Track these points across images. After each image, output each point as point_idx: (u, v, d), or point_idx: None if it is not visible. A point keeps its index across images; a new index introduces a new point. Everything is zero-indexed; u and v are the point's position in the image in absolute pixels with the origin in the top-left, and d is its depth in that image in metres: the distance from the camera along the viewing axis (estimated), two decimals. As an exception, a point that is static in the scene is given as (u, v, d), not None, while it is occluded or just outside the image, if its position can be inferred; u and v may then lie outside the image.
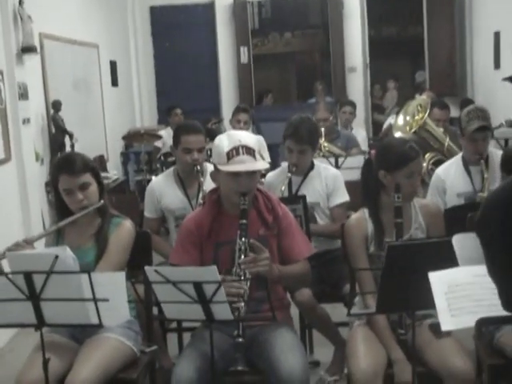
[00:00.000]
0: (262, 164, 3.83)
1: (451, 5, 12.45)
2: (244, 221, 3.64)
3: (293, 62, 18.36)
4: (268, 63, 16.95)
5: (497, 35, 10.57)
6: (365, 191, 4.06)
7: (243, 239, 3.60)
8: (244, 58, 12.95)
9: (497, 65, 10.54)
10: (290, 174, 5.03)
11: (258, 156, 3.76)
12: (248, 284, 3.49)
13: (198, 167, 5.03)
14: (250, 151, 3.70)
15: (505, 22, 10.27)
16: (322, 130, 7.39)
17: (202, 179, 5.01)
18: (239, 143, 3.70)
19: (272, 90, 14.75)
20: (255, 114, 12.22)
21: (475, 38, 12.22)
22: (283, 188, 5.00)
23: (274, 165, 7.05)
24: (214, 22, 13.10)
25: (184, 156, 5.05)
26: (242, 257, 3.58)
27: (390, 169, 3.86)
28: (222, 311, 3.14)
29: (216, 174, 3.84)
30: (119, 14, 12.26)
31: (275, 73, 17.83)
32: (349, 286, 4.22)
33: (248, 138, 3.81)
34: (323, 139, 7.31)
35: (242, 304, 3.38)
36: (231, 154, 3.68)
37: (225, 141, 3.74)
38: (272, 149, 8.08)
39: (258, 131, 11.17)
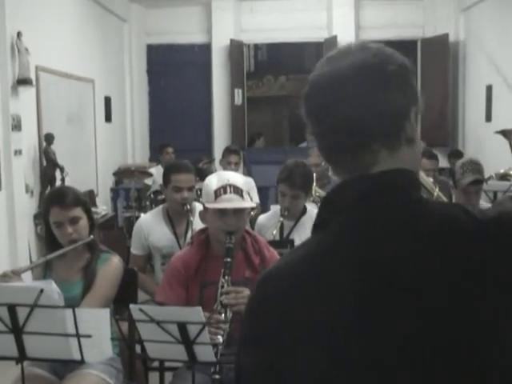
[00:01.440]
0: (249, 203, 3.86)
1: (445, 57, 12.57)
2: (228, 259, 3.64)
3: (286, 105, 18.48)
4: (262, 106, 17.08)
5: (489, 88, 10.68)
6: None
7: (226, 277, 3.60)
8: (238, 100, 13.01)
9: (488, 118, 10.63)
10: (281, 219, 5.04)
11: (245, 196, 3.79)
12: (229, 319, 3.48)
13: (188, 206, 5.04)
14: (237, 190, 3.74)
15: (497, 75, 10.39)
16: (314, 175, 7.41)
17: (191, 218, 5.02)
18: (227, 182, 3.75)
19: (264, 133, 14.82)
20: (247, 155, 12.29)
21: (468, 91, 12.33)
22: (275, 232, 5.00)
23: (263, 208, 7.09)
24: (210, 62, 13.17)
25: (174, 194, 5.06)
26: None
27: None
28: (205, 352, 3.13)
29: (204, 214, 3.87)
30: (116, 51, 12.33)
31: (268, 116, 17.94)
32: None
33: (236, 178, 3.87)
34: (314, 184, 7.33)
35: (221, 340, 3.36)
36: (219, 193, 3.73)
37: (213, 180, 3.80)
38: (262, 191, 8.13)
39: (248, 173, 11.21)
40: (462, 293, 1.39)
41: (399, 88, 1.51)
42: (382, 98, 1.49)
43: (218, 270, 3.67)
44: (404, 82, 1.53)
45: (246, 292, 3.61)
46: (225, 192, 3.72)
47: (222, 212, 3.72)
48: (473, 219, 1.45)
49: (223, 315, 3.48)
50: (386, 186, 1.49)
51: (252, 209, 5.72)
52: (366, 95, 1.48)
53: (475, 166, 5.17)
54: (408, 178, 1.51)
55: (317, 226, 1.58)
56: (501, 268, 1.40)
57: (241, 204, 3.75)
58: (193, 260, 3.84)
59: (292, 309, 1.48)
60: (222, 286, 3.58)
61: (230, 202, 3.71)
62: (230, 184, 3.74)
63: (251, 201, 4.04)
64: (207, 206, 3.78)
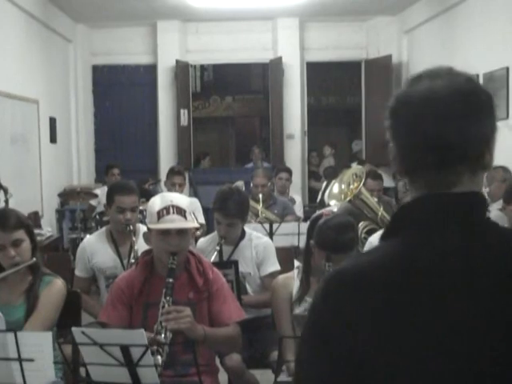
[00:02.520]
0: (192, 224, 3.88)
1: (388, 77, 12.71)
2: (170, 279, 3.65)
3: (232, 126, 18.56)
4: (208, 126, 17.12)
5: (432, 108, 10.83)
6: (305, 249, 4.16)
7: (168, 297, 3.60)
8: (184, 121, 13.00)
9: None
10: (218, 248, 4.97)
11: (189, 216, 3.80)
12: (168, 339, 3.48)
13: (131, 227, 5.03)
14: (180, 211, 3.75)
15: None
16: (260, 195, 7.46)
17: (134, 239, 5.00)
18: (170, 203, 3.76)
19: (210, 153, 14.84)
20: (193, 176, 12.28)
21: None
22: (212, 259, 4.90)
23: (209, 228, 7.10)
24: (156, 83, 13.17)
25: (117, 215, 5.06)
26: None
27: (318, 245, 3.93)
28: (148, 375, 3.12)
29: (148, 235, 3.87)
30: (61, 71, 12.26)
31: (215, 136, 17.98)
32: (277, 353, 4.22)
33: (180, 199, 3.89)
34: (260, 205, 7.37)
35: (159, 357, 3.36)
36: (162, 213, 3.74)
37: (157, 201, 3.82)
38: (208, 212, 8.13)
39: (194, 194, 11.21)
40: None
41: (487, 117, 1.61)
42: (473, 123, 1.57)
43: (161, 291, 3.67)
44: (491, 111, 1.62)
45: (187, 312, 3.61)
46: (167, 213, 3.73)
47: (165, 232, 3.73)
48: None
49: (163, 336, 3.48)
50: (465, 206, 1.58)
51: (197, 229, 5.72)
52: (460, 118, 1.57)
53: (417, 185, 5.25)
54: (483, 201, 1.62)
55: (389, 232, 1.65)
56: None
57: (183, 224, 3.76)
58: (137, 281, 3.85)
59: (371, 306, 1.55)
60: (163, 306, 3.59)
61: (173, 222, 3.72)
62: (173, 205, 3.76)
63: (195, 221, 4.05)
64: (150, 226, 3.80)
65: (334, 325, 1.58)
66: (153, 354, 3.31)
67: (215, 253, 4.95)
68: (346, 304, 1.57)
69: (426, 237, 1.57)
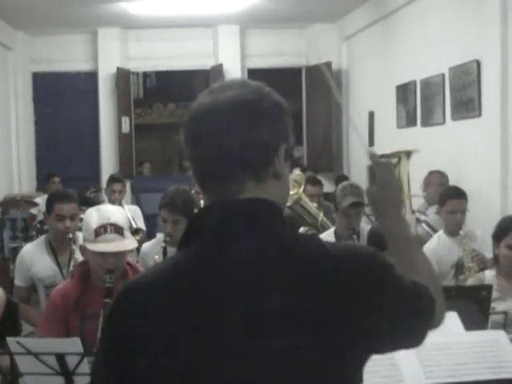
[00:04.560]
0: (129, 243, 3.85)
1: (328, 83, 12.79)
2: (109, 300, 3.60)
3: (176, 132, 18.47)
4: (151, 133, 17.04)
5: (371, 115, 10.97)
6: None
7: None
8: (125, 128, 12.95)
9: (371, 143, 10.89)
10: (164, 244, 5.04)
11: (126, 233, 3.78)
12: None
13: (70, 235, 5.01)
14: (118, 229, 3.72)
15: (378, 102, 10.70)
16: (202, 202, 7.48)
17: (73, 247, 4.98)
18: (108, 221, 3.71)
19: (153, 160, 14.78)
20: (135, 184, 12.24)
21: (351, 117, 12.59)
22: (157, 257, 4.99)
23: (151, 235, 7.11)
24: (97, 90, 13.08)
25: (56, 223, 5.03)
26: None
27: None
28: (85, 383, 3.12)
29: (84, 249, 3.83)
30: (0, 79, 12.13)
31: (158, 143, 17.91)
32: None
33: (117, 215, 3.84)
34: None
35: None
36: (99, 232, 3.70)
37: (94, 216, 3.76)
38: (150, 219, 8.13)
39: (137, 201, 11.18)
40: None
41: (271, 124, 1.62)
42: (253, 132, 1.59)
43: (98, 302, 3.66)
44: (276, 119, 1.65)
45: None
46: (105, 231, 3.69)
47: (102, 252, 3.70)
48: (319, 250, 1.62)
49: None
50: (245, 212, 1.60)
51: (136, 234, 5.72)
52: (239, 128, 1.59)
53: (355, 190, 5.33)
54: (269, 208, 1.62)
55: (182, 244, 1.67)
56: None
57: (121, 246, 3.73)
58: (72, 294, 3.82)
59: (158, 317, 1.57)
60: None
61: (110, 242, 3.69)
62: (111, 223, 3.71)
63: (133, 238, 4.00)
64: (87, 246, 3.76)
65: (115, 339, 1.62)
66: None
67: (161, 250, 5.01)
68: (125, 317, 1.60)
69: (213, 244, 1.60)
